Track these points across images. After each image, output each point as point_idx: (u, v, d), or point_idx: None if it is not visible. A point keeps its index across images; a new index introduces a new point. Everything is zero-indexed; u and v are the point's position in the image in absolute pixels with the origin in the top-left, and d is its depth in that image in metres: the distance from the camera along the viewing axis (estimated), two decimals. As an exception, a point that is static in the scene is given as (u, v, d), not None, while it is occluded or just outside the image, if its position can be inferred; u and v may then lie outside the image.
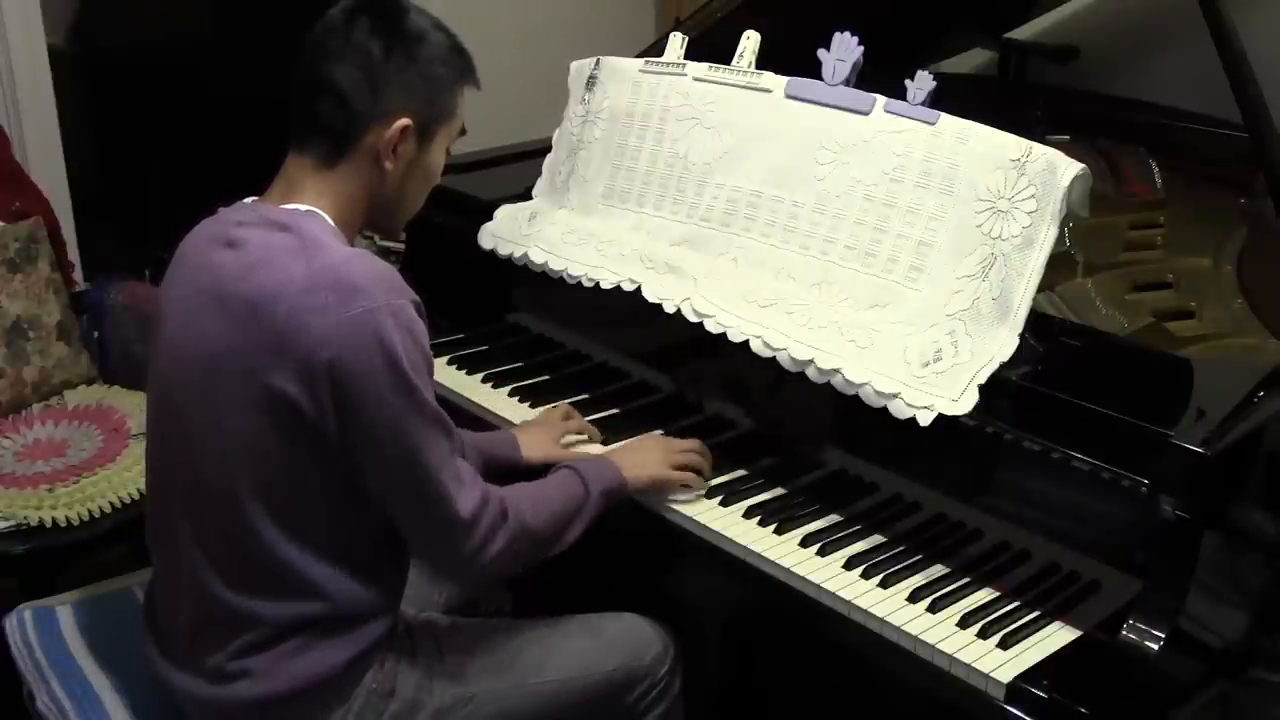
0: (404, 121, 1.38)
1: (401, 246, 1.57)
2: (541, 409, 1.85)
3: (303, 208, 1.38)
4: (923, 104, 1.57)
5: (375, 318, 1.28)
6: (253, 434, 1.32)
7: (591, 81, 1.91)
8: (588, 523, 1.51)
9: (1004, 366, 1.43)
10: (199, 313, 1.35)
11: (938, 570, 1.48)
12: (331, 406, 1.29)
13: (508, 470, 1.65)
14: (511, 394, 1.90)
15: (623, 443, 1.70)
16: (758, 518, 1.58)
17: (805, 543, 1.53)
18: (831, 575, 1.47)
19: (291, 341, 1.28)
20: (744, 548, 1.53)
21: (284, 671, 1.38)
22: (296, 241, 1.33)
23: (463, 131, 1.50)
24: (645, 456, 1.62)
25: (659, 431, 1.77)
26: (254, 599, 1.37)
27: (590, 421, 1.80)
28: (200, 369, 1.35)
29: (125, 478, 2.12)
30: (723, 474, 1.67)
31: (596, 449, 1.75)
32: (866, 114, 1.61)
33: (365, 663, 1.42)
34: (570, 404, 1.84)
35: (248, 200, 1.44)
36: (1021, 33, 2.60)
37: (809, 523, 1.57)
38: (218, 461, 1.34)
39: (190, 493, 1.39)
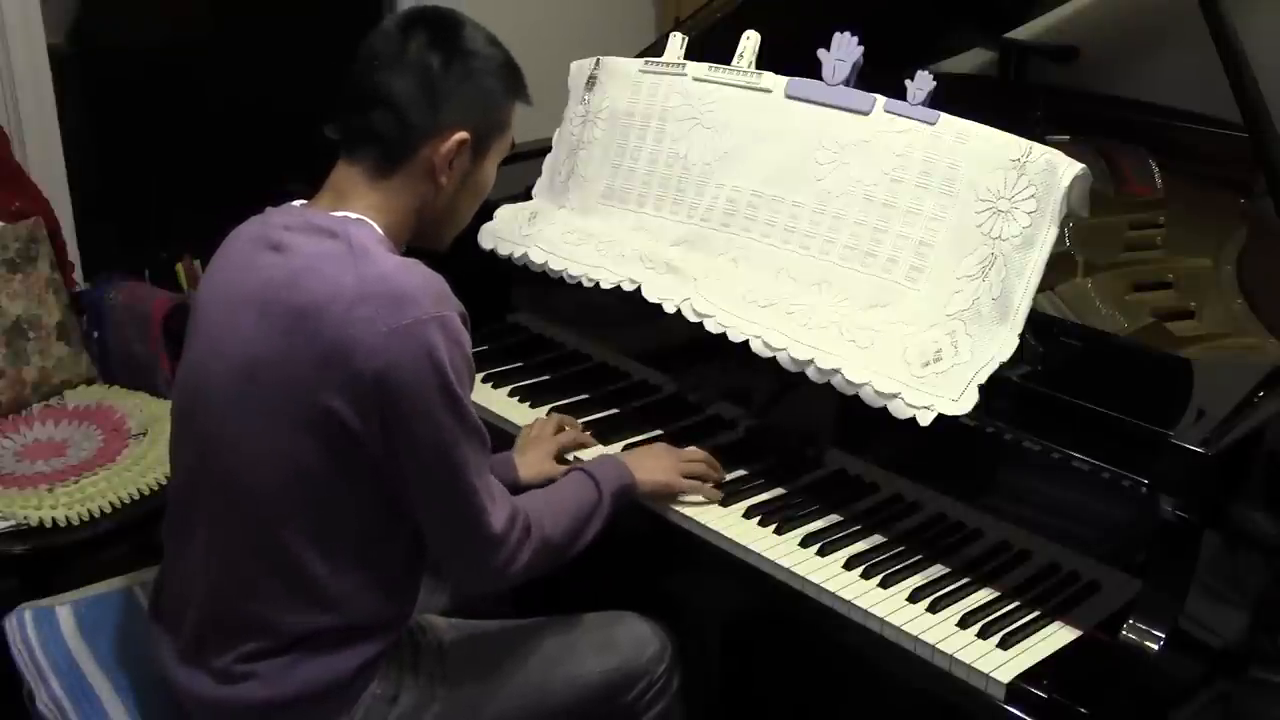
0: (461, 135, 1.38)
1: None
2: (541, 409, 1.85)
3: (352, 215, 1.36)
4: (923, 104, 1.57)
5: (425, 329, 1.27)
6: (292, 446, 1.31)
7: (591, 81, 1.91)
8: (603, 524, 1.52)
9: (1004, 366, 1.43)
10: (239, 315, 1.34)
11: (938, 570, 1.48)
12: (377, 418, 1.28)
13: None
14: (511, 394, 1.90)
15: (633, 448, 1.69)
16: (758, 518, 1.58)
17: (805, 543, 1.53)
18: (831, 575, 1.47)
19: (339, 354, 1.27)
20: (744, 548, 1.53)
21: (291, 676, 1.37)
22: (344, 249, 1.31)
23: (512, 145, 1.50)
24: (656, 461, 1.62)
25: (659, 432, 1.78)
26: (270, 608, 1.36)
27: (590, 422, 1.81)
28: (238, 373, 1.33)
29: (125, 478, 2.12)
30: (723, 474, 1.67)
31: (594, 451, 1.75)
32: (866, 114, 1.61)
33: (371, 670, 1.42)
34: (570, 404, 1.84)
35: (295, 203, 1.42)
36: (1021, 33, 2.60)
37: (809, 523, 1.57)
38: (250, 470, 1.33)
39: (216, 497, 1.38)
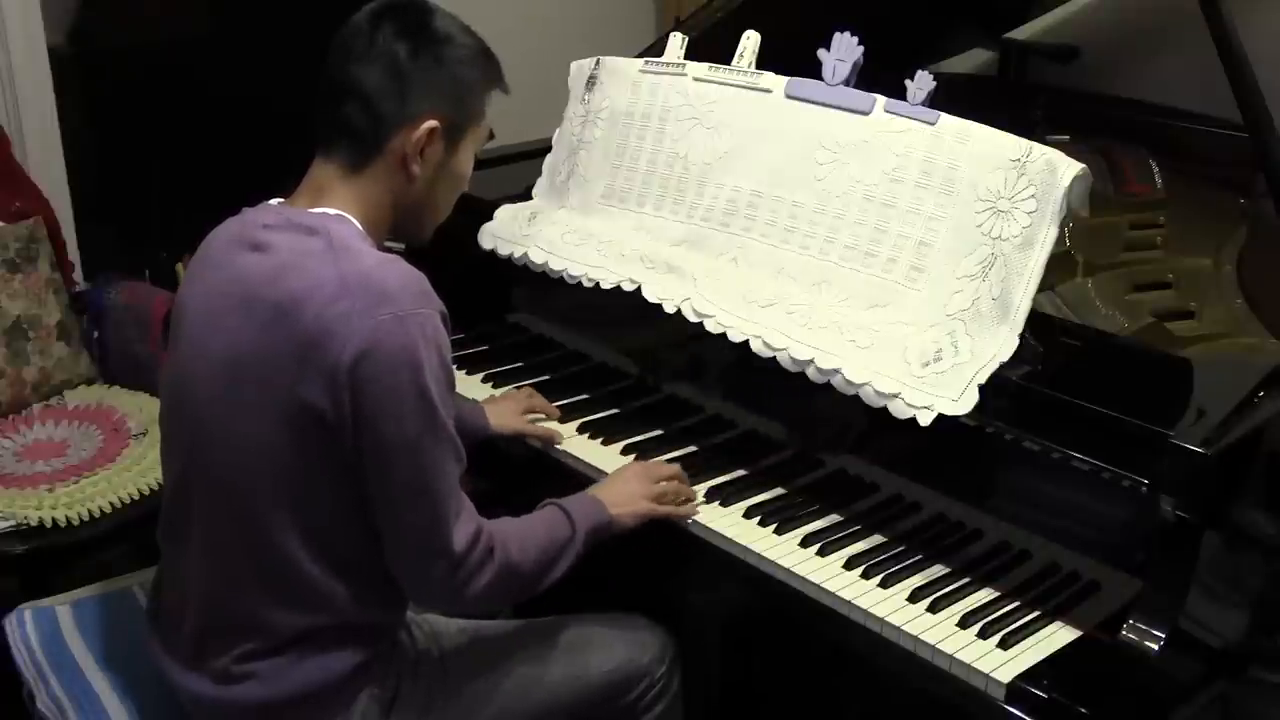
0: (431, 124, 1.37)
1: (400, 245, 1.56)
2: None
3: (331, 212, 1.36)
4: (923, 104, 1.57)
5: (403, 325, 1.27)
6: (275, 442, 1.30)
7: (591, 81, 1.91)
8: (573, 561, 1.48)
9: (1004, 366, 1.43)
10: (222, 315, 1.34)
11: (938, 570, 1.48)
12: (350, 412, 1.28)
13: (478, 443, 1.67)
14: (511, 394, 1.90)
15: (606, 478, 1.64)
16: (758, 518, 1.58)
17: (805, 543, 1.53)
18: (831, 575, 1.47)
19: (317, 346, 1.27)
20: (744, 548, 1.53)
21: (289, 676, 1.37)
22: (325, 245, 1.31)
23: (490, 136, 1.49)
24: (629, 492, 1.57)
25: (659, 432, 1.78)
26: (265, 608, 1.36)
27: (590, 422, 1.81)
28: (222, 372, 1.33)
29: (125, 478, 2.12)
30: (723, 474, 1.67)
31: (557, 427, 1.78)
32: (866, 114, 1.61)
33: (369, 670, 1.42)
34: (570, 404, 1.85)
35: (273, 202, 1.42)
36: (1021, 33, 2.60)
37: (809, 523, 1.57)
38: (237, 468, 1.33)
39: (207, 497, 1.38)
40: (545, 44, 2.63)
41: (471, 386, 1.92)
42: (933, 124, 1.55)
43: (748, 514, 1.59)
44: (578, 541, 1.49)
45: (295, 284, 1.29)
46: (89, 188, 2.75)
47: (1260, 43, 1.79)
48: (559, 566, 1.47)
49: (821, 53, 1.66)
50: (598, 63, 1.92)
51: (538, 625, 1.60)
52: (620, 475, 1.63)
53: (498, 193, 1.97)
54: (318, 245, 1.32)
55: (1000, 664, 1.33)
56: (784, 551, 1.52)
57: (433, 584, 1.37)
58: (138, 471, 2.14)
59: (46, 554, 2.01)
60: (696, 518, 1.59)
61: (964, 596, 1.44)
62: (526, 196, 1.97)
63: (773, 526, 1.56)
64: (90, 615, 1.66)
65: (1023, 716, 1.29)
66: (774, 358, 1.55)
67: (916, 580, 1.46)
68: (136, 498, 2.09)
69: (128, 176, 2.87)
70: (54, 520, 2.01)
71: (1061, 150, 1.47)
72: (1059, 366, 1.48)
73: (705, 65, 1.78)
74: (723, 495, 1.62)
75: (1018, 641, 1.36)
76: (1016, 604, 1.42)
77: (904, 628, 1.38)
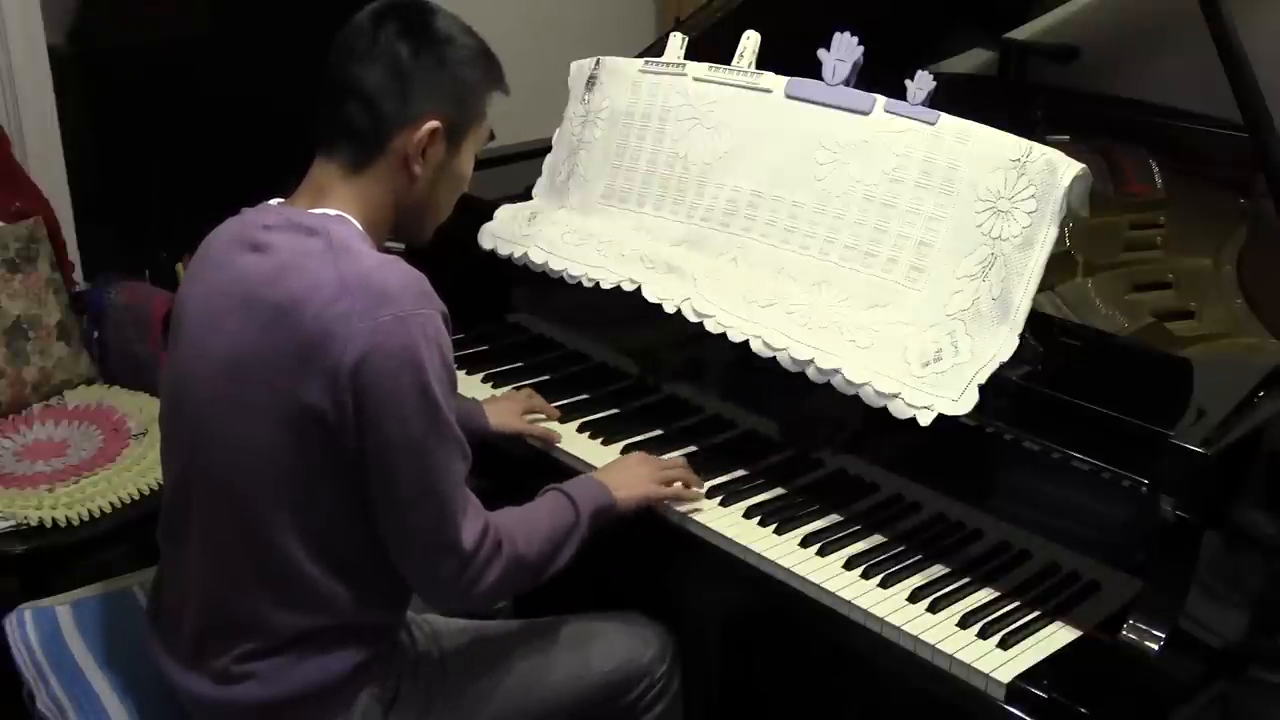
0: (433, 124, 1.37)
1: (401, 245, 1.56)
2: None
3: (332, 212, 1.36)
4: (923, 104, 1.57)
5: (404, 326, 1.27)
6: (275, 443, 1.30)
7: (591, 81, 1.91)
8: (578, 546, 1.48)
9: (1004, 366, 1.43)
10: (223, 315, 1.34)
11: (938, 570, 1.48)
12: (352, 414, 1.28)
13: (477, 443, 1.65)
14: (511, 394, 1.90)
15: (609, 462, 1.66)
16: (758, 518, 1.58)
17: (805, 543, 1.53)
18: (831, 575, 1.47)
19: (317, 347, 1.26)
20: (744, 548, 1.53)
21: (288, 676, 1.37)
22: (325, 246, 1.31)
23: (491, 136, 1.49)
24: (633, 475, 1.59)
25: (659, 432, 1.78)
26: (265, 608, 1.36)
27: (589, 421, 1.81)
28: (222, 372, 1.33)
29: (125, 478, 2.12)
30: (723, 474, 1.67)
31: (556, 427, 1.78)
32: (866, 114, 1.61)
33: (369, 670, 1.42)
34: (570, 404, 1.85)
35: (273, 202, 1.42)
36: (1021, 33, 2.60)
37: (809, 523, 1.57)
38: (238, 469, 1.33)
39: (207, 498, 1.38)
40: (545, 44, 2.63)
41: (471, 386, 1.92)
42: (933, 124, 1.55)
43: (748, 514, 1.59)
44: (582, 525, 1.49)
45: (295, 285, 1.29)
46: (89, 188, 2.75)
47: (1260, 43, 1.79)
48: (565, 553, 1.47)
49: (821, 53, 1.66)
50: (598, 63, 1.92)
51: (538, 625, 1.60)
52: (623, 460, 1.65)
53: (498, 193, 1.97)
54: (318, 246, 1.32)
55: (1000, 664, 1.33)
56: (784, 551, 1.52)
57: (442, 583, 1.37)
58: (138, 471, 2.14)
59: (46, 554, 2.00)
60: (696, 517, 1.59)
61: (964, 596, 1.44)
62: (526, 196, 1.97)
63: (773, 526, 1.56)
64: (90, 615, 1.66)
65: (1023, 716, 1.29)
66: (774, 358, 1.55)
67: (916, 580, 1.46)
68: (136, 498, 2.09)
69: (128, 176, 2.87)
70: (54, 520, 2.01)
71: (1061, 150, 1.47)
72: (1059, 366, 1.48)
73: (705, 65, 1.79)
74: (723, 495, 1.62)
75: (1018, 641, 1.36)
76: (1016, 604, 1.42)
77: (904, 628, 1.38)
